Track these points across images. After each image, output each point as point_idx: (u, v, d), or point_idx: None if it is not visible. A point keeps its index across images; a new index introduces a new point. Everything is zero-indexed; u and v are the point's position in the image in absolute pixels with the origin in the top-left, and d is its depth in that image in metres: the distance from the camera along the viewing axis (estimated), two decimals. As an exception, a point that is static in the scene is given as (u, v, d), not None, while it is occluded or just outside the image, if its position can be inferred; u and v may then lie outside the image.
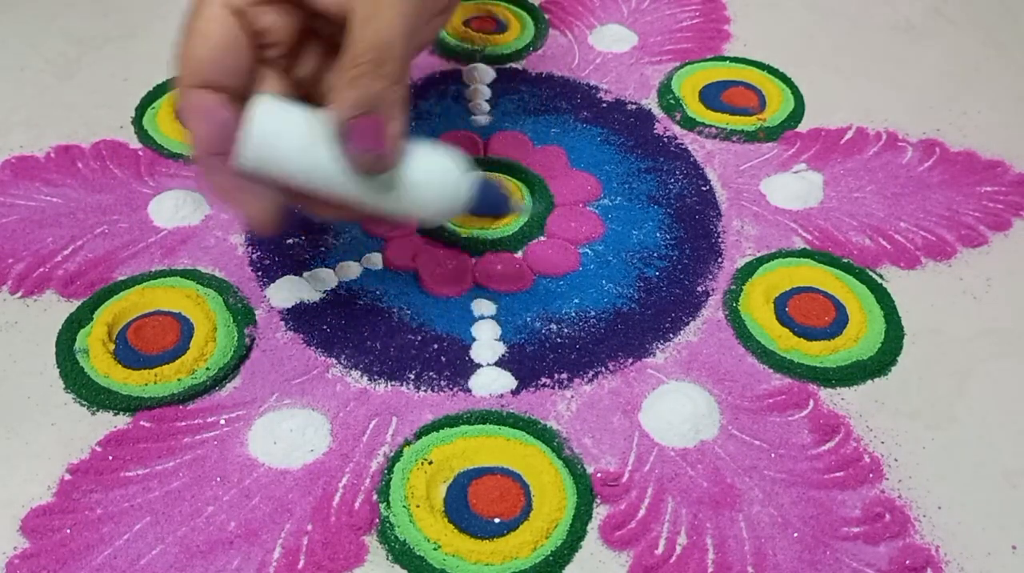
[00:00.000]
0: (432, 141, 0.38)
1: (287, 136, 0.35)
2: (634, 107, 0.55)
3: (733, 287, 0.45)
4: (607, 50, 0.59)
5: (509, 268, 0.46)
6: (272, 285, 0.45)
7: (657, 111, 0.55)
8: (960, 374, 0.42)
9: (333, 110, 0.35)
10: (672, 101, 0.55)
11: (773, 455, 0.39)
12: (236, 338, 0.42)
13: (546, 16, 0.61)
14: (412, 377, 0.42)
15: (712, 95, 0.55)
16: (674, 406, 0.40)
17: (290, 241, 0.47)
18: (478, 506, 0.37)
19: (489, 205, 0.39)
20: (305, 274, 0.45)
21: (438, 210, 0.38)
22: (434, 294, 0.45)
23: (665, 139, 0.53)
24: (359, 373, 0.42)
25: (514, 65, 0.57)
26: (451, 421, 0.40)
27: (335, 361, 0.42)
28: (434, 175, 0.37)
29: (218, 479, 0.38)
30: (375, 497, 0.37)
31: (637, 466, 0.38)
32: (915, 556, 0.36)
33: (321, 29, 0.37)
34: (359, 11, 0.34)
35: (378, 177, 0.36)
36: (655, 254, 0.47)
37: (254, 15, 0.36)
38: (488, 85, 0.56)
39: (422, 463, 0.38)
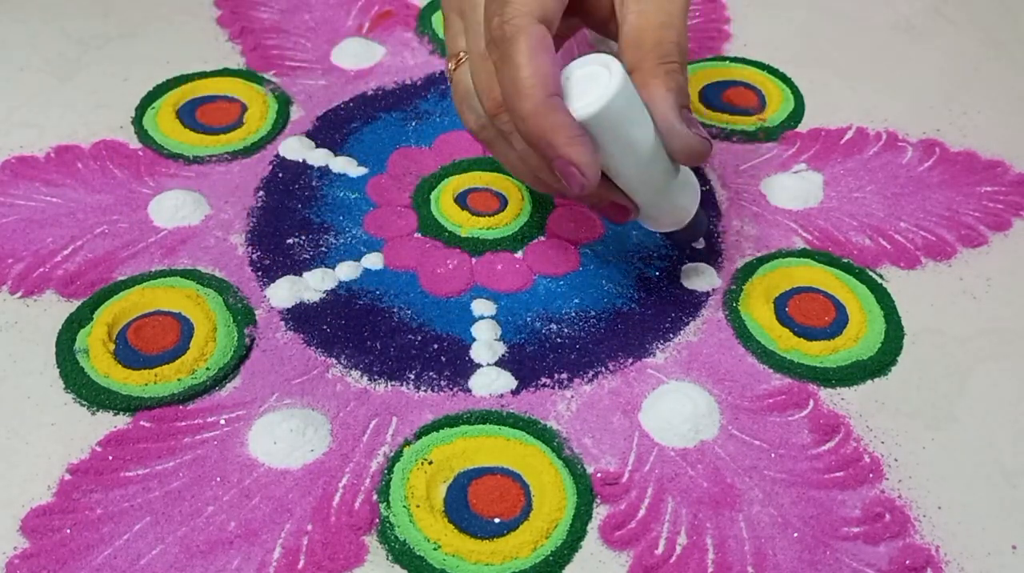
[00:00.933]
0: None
1: (635, 105, 0.37)
2: (634, 107, 0.55)
3: (733, 287, 0.45)
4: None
5: (509, 268, 0.46)
6: (272, 285, 0.45)
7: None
8: (960, 374, 0.42)
9: (662, 96, 0.37)
10: (672, 101, 0.55)
11: (773, 455, 0.39)
12: (236, 338, 0.42)
13: (546, 16, 0.61)
14: (412, 377, 0.42)
15: (712, 95, 0.55)
16: (674, 406, 0.40)
17: (290, 241, 0.47)
18: (478, 506, 0.37)
19: (694, 231, 0.43)
20: (305, 274, 0.45)
21: (683, 219, 0.42)
22: (434, 294, 0.45)
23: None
24: (359, 373, 0.42)
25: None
26: (451, 421, 0.40)
27: (335, 361, 0.42)
28: (693, 184, 0.41)
29: (218, 479, 0.38)
30: (375, 497, 0.37)
31: (637, 466, 0.38)
32: (915, 556, 0.36)
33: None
34: (652, 16, 0.38)
35: (675, 171, 0.39)
36: (655, 254, 0.47)
37: None
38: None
39: (422, 463, 0.38)
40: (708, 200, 0.50)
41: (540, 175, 0.39)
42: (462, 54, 0.40)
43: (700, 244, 0.47)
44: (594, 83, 0.36)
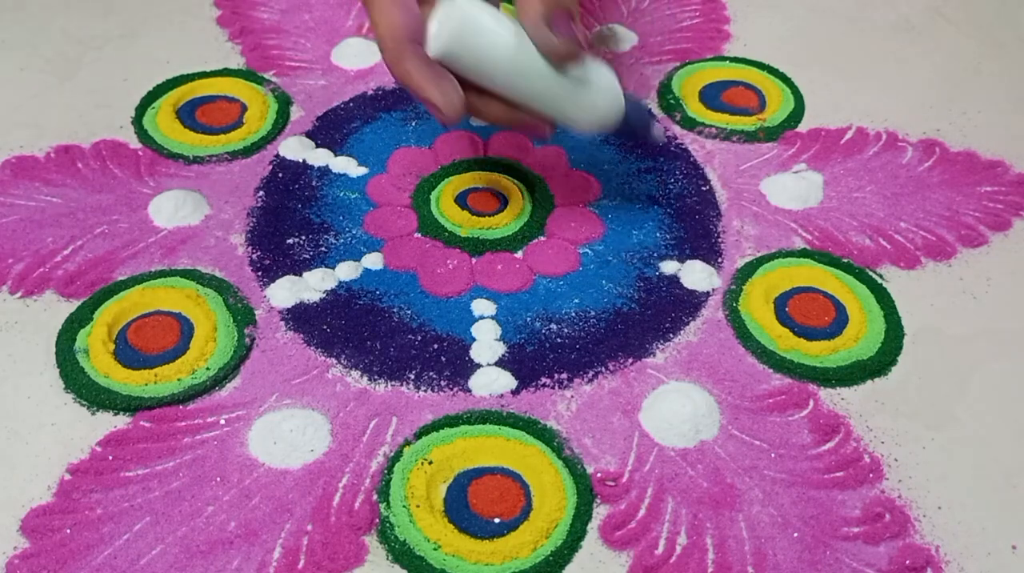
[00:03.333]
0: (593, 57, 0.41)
1: (486, 26, 0.38)
2: (634, 107, 0.55)
3: (733, 287, 0.45)
4: (607, 50, 0.59)
5: (509, 268, 0.46)
6: (272, 285, 0.45)
7: (657, 111, 0.55)
8: (960, 374, 0.42)
9: (530, 3, 0.38)
10: (672, 101, 0.55)
11: (773, 455, 0.39)
12: (236, 338, 0.42)
13: (546, 16, 0.61)
14: (412, 377, 0.42)
15: (712, 95, 0.55)
16: (674, 406, 0.40)
17: (290, 241, 0.47)
18: (478, 506, 0.37)
19: (637, 123, 0.43)
20: (305, 274, 0.45)
21: (602, 115, 0.42)
22: (434, 294, 0.45)
23: (665, 139, 0.53)
24: (359, 373, 0.42)
25: None
26: (451, 421, 0.40)
27: (335, 361, 0.42)
28: (604, 81, 0.41)
29: (218, 479, 0.38)
30: (375, 497, 0.37)
31: (637, 466, 0.38)
32: (915, 556, 0.36)
33: None
34: None
35: (559, 75, 0.39)
36: (655, 254, 0.47)
37: None
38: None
39: (422, 463, 0.38)
40: (708, 200, 0.50)
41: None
42: None
43: (660, 139, 0.46)
44: (448, 18, 0.38)
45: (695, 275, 0.46)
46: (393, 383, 0.41)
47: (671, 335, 0.44)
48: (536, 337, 0.43)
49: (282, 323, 0.43)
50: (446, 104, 0.38)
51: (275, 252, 0.46)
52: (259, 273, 0.45)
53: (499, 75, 0.39)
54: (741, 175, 0.51)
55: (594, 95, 0.42)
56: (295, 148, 0.52)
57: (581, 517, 0.37)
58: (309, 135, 0.53)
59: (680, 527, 0.37)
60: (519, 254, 0.47)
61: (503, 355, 0.42)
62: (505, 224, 0.48)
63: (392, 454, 0.39)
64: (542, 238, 0.47)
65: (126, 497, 0.37)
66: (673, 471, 0.38)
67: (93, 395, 0.40)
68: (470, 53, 0.38)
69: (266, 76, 0.56)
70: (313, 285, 0.45)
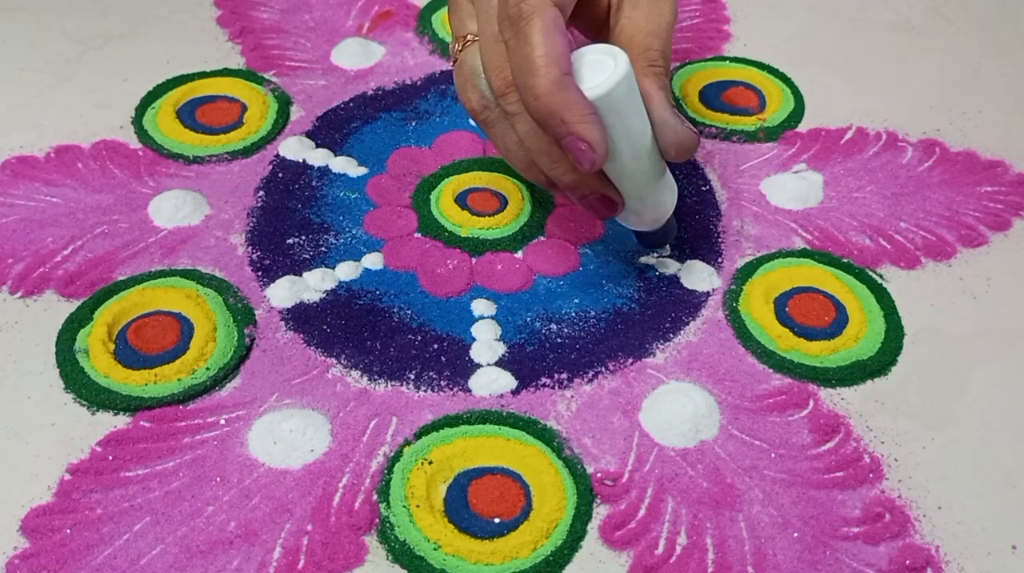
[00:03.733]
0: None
1: (635, 93, 0.38)
2: (634, 107, 0.55)
3: (733, 287, 0.45)
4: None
5: (509, 268, 0.46)
6: (272, 285, 0.45)
7: (657, 111, 0.55)
8: (960, 374, 0.42)
9: (656, 91, 0.39)
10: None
11: (773, 455, 0.39)
12: (236, 338, 0.42)
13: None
14: (412, 377, 0.42)
15: (712, 95, 0.55)
16: (674, 406, 0.40)
17: (290, 241, 0.47)
18: (478, 506, 0.37)
19: (668, 234, 0.45)
20: (305, 274, 0.45)
21: (659, 217, 0.43)
22: (434, 294, 0.45)
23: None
24: (359, 373, 0.42)
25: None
26: (451, 421, 0.40)
27: (335, 361, 0.42)
28: (673, 186, 0.43)
29: (218, 479, 0.38)
30: (375, 497, 0.37)
31: (637, 466, 0.38)
32: (915, 556, 0.36)
33: None
34: (642, 23, 0.40)
35: (659, 166, 0.40)
36: (655, 254, 0.47)
37: None
38: (488, 85, 0.56)
39: (422, 463, 0.38)
40: (708, 200, 0.50)
41: (537, 160, 0.40)
42: (470, 36, 0.41)
43: (666, 250, 0.47)
44: (601, 69, 0.37)
45: (695, 275, 0.46)
46: (393, 383, 0.41)
47: (671, 335, 0.44)
48: (536, 337, 0.43)
49: (282, 323, 0.43)
50: (601, 143, 0.36)
51: (275, 252, 0.46)
52: (259, 273, 0.46)
53: (625, 141, 0.38)
54: (741, 175, 0.51)
55: (667, 195, 0.42)
56: (295, 148, 0.52)
57: (581, 517, 0.37)
58: (309, 135, 0.53)
59: (680, 527, 0.37)
60: (519, 254, 0.47)
61: (503, 355, 0.42)
62: (505, 224, 0.48)
63: (392, 454, 0.39)
64: (542, 238, 0.47)
65: (126, 497, 0.37)
66: (673, 471, 0.38)
67: (93, 395, 0.40)
68: (617, 109, 0.37)
69: (266, 76, 0.56)
70: (313, 285, 0.45)
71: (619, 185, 0.40)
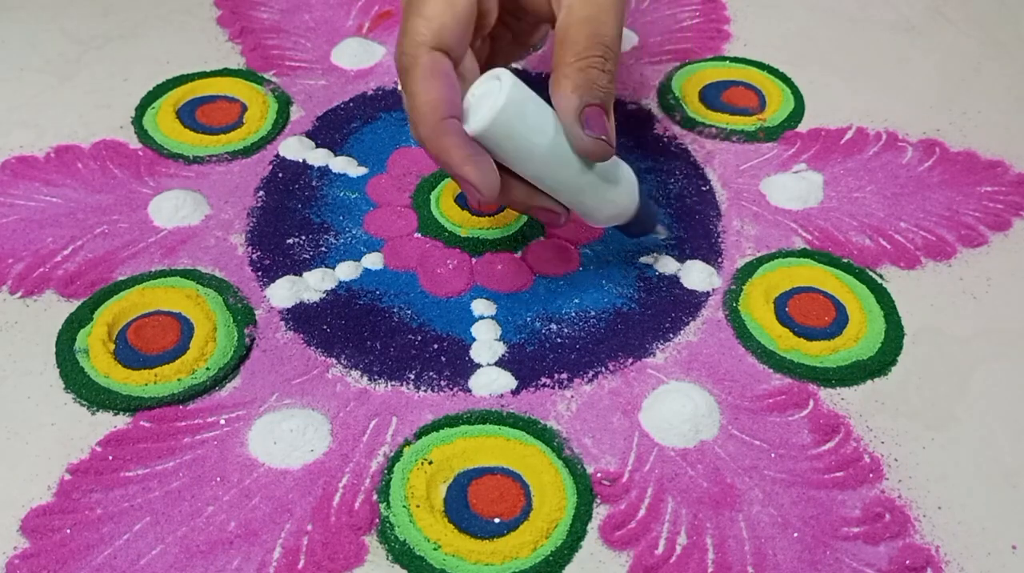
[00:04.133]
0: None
1: (528, 110, 0.37)
2: (634, 107, 0.55)
3: (733, 287, 0.45)
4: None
5: (509, 268, 0.46)
6: (272, 285, 0.45)
7: (657, 111, 0.55)
8: (960, 374, 0.42)
9: (565, 96, 0.37)
10: (672, 101, 0.55)
11: (773, 455, 0.39)
12: (236, 338, 0.42)
13: (546, 16, 0.61)
14: (412, 377, 0.42)
15: (712, 95, 0.55)
16: (674, 406, 0.40)
17: (290, 241, 0.47)
18: (478, 506, 0.37)
19: (646, 222, 0.43)
20: (305, 274, 0.45)
21: (619, 212, 0.41)
22: (434, 294, 0.45)
23: (665, 139, 0.53)
24: (359, 373, 0.42)
25: (514, 65, 0.57)
26: (451, 421, 0.40)
27: (335, 361, 0.42)
28: (625, 178, 0.41)
29: (218, 479, 0.38)
30: (375, 497, 0.37)
31: (637, 466, 0.38)
32: (915, 556, 0.36)
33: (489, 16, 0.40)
34: (578, 10, 0.38)
35: (588, 169, 0.39)
36: (655, 254, 0.47)
37: None
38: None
39: (422, 463, 0.38)
40: (708, 200, 0.50)
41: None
42: None
43: (660, 234, 0.45)
44: (489, 98, 0.36)
45: (695, 275, 0.46)
46: (393, 383, 0.41)
47: (671, 335, 0.44)
48: (536, 337, 0.43)
49: (282, 323, 0.43)
50: (484, 184, 0.37)
51: (275, 252, 0.46)
52: (259, 273, 0.46)
53: (531, 161, 0.38)
54: (741, 175, 0.51)
55: (615, 192, 0.41)
56: (295, 148, 0.52)
57: (581, 517, 0.37)
58: (309, 135, 0.53)
59: (680, 527, 0.37)
60: (519, 254, 0.47)
61: (503, 355, 0.42)
62: (505, 224, 0.48)
63: (392, 454, 0.39)
64: (542, 238, 0.47)
65: (126, 497, 0.37)
66: (673, 471, 0.38)
67: (93, 395, 0.40)
68: (509, 135, 0.37)
69: (266, 76, 0.56)
70: (313, 285, 0.45)
71: (553, 194, 0.39)
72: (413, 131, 0.38)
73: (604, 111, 0.37)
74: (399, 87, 0.39)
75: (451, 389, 0.41)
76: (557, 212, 0.40)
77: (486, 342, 0.43)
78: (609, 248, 0.47)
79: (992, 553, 0.36)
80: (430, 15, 0.37)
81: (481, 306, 0.44)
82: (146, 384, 0.40)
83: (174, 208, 0.47)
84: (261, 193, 0.49)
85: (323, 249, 0.47)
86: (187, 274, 0.45)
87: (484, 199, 0.37)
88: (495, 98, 0.36)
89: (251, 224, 0.48)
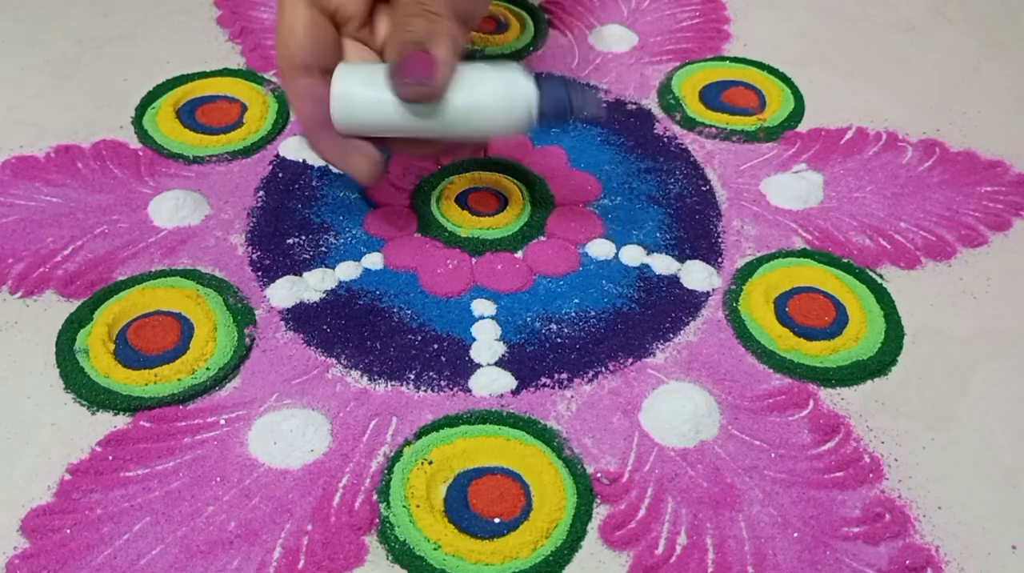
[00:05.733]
0: (499, 62, 0.41)
1: (363, 90, 0.40)
2: (634, 107, 0.55)
3: (733, 287, 0.45)
4: (607, 50, 0.59)
5: (509, 268, 0.46)
6: (272, 285, 0.45)
7: (657, 111, 0.55)
8: (960, 374, 0.42)
9: (387, 56, 0.40)
10: (672, 101, 0.55)
11: (773, 455, 0.39)
12: (236, 338, 0.42)
13: (546, 16, 0.61)
14: (412, 377, 0.42)
15: (712, 95, 0.55)
16: (674, 406, 0.40)
17: (290, 241, 0.47)
18: (478, 506, 0.37)
19: (557, 109, 0.40)
20: (305, 274, 0.45)
21: (506, 124, 0.41)
22: (434, 294, 0.45)
23: (665, 139, 0.53)
24: (359, 373, 0.42)
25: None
26: (451, 421, 0.40)
27: (335, 361, 0.42)
28: (495, 91, 0.40)
29: (218, 479, 0.38)
30: (375, 497, 0.37)
31: (637, 466, 0.38)
32: (915, 556, 0.36)
33: None
34: None
35: (441, 105, 0.40)
36: (655, 254, 0.47)
37: (325, 0, 0.41)
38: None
39: (422, 463, 0.38)
40: (708, 200, 0.50)
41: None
42: None
43: (598, 111, 0.42)
44: (332, 99, 0.40)
45: (695, 275, 0.46)
46: (393, 383, 0.41)
47: (671, 335, 0.44)
48: (536, 337, 0.43)
49: (282, 323, 0.43)
50: (358, 172, 0.42)
51: (275, 252, 0.46)
52: (259, 273, 0.46)
53: (395, 127, 0.41)
54: (741, 175, 0.51)
55: (492, 104, 0.40)
56: (295, 148, 0.52)
57: (581, 517, 0.37)
58: (309, 135, 0.53)
59: (680, 527, 0.37)
60: (519, 254, 0.47)
61: (503, 355, 0.42)
62: (505, 224, 0.48)
63: (392, 454, 0.39)
64: (542, 238, 0.47)
65: (126, 497, 0.37)
66: (673, 471, 0.38)
67: (93, 395, 0.40)
68: (359, 120, 0.41)
69: (266, 76, 0.56)
70: (313, 285, 0.45)
71: (442, 139, 0.42)
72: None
73: (427, 53, 0.39)
74: None
75: (451, 389, 0.41)
76: (463, 148, 0.45)
77: (486, 342, 0.43)
78: (609, 248, 0.47)
79: (992, 553, 0.36)
80: (283, 46, 0.41)
81: (481, 306, 0.44)
82: (146, 384, 0.40)
83: (174, 208, 0.47)
84: (261, 193, 0.49)
85: (323, 249, 0.47)
86: (187, 274, 0.45)
87: (371, 179, 0.42)
88: (333, 98, 0.40)
89: (251, 224, 0.48)
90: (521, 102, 0.40)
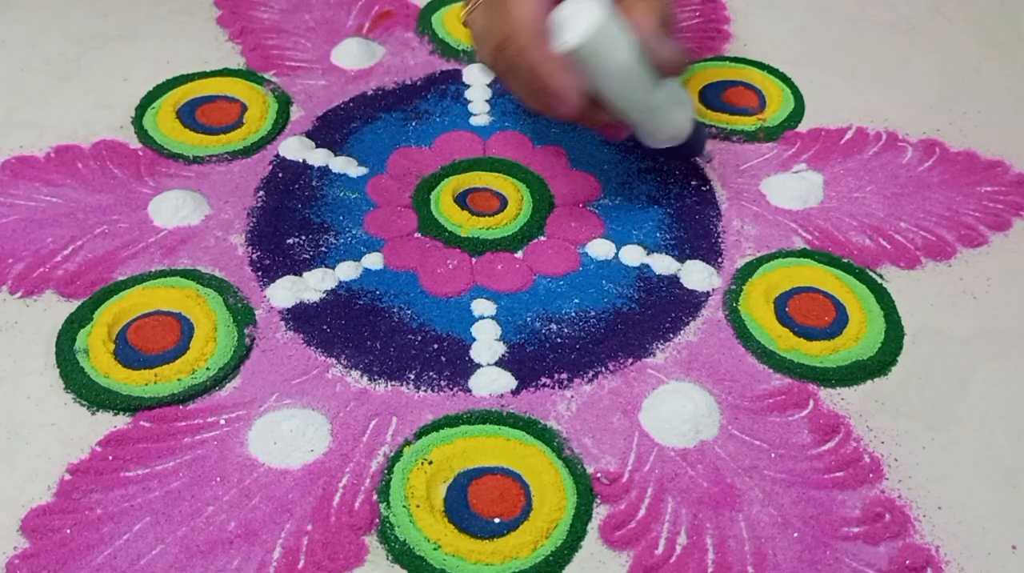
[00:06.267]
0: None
1: (613, 31, 0.41)
2: (634, 107, 0.55)
3: (733, 287, 0.45)
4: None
5: (509, 268, 0.46)
6: (272, 285, 0.45)
7: (657, 111, 0.55)
8: (960, 374, 0.42)
9: (644, 14, 0.42)
10: (672, 101, 0.55)
11: (773, 455, 0.39)
12: (236, 338, 0.42)
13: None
14: (412, 377, 0.42)
15: (712, 95, 0.55)
16: (674, 406, 0.40)
17: (290, 241, 0.47)
18: (478, 506, 0.37)
19: (697, 143, 0.48)
20: (305, 274, 0.45)
21: (677, 132, 0.46)
22: (434, 294, 0.45)
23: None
24: (359, 373, 0.42)
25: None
26: (451, 421, 0.40)
27: (335, 361, 0.42)
28: (685, 100, 0.46)
29: (218, 479, 0.38)
30: (375, 497, 0.37)
31: (637, 466, 0.38)
32: (915, 556, 0.36)
33: None
34: None
35: (657, 89, 0.43)
36: (655, 254, 0.47)
37: None
38: (488, 85, 0.56)
39: (422, 463, 0.38)
40: (708, 200, 0.50)
41: (536, 103, 0.43)
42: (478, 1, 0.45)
43: (707, 158, 0.50)
44: (581, 18, 0.41)
45: (695, 275, 0.46)
46: (393, 383, 0.41)
47: (671, 335, 0.44)
48: (536, 337, 0.43)
49: (282, 323, 0.43)
50: (573, 92, 0.41)
51: (275, 252, 0.46)
52: (259, 273, 0.45)
53: (609, 79, 0.42)
54: (741, 175, 0.51)
55: (677, 112, 0.45)
56: (295, 148, 0.52)
57: (581, 517, 0.37)
58: (309, 135, 0.53)
59: (680, 527, 0.37)
60: (519, 254, 0.47)
61: (503, 355, 0.42)
62: (505, 224, 0.48)
63: (392, 454, 0.39)
64: (542, 238, 0.47)
65: (126, 497, 0.37)
66: (673, 471, 0.38)
67: (93, 395, 0.40)
68: (596, 54, 0.41)
69: (266, 76, 0.56)
70: (313, 285, 0.45)
71: (620, 112, 0.44)
72: (500, 49, 0.42)
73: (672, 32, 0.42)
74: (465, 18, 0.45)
75: (451, 389, 0.41)
76: (620, 128, 0.45)
77: (486, 342, 0.43)
78: (609, 248, 0.47)
79: (992, 553, 0.36)
80: None
81: (481, 306, 0.44)
82: (146, 384, 0.40)
83: (174, 208, 0.47)
84: (261, 193, 0.49)
85: (323, 249, 0.47)
86: (187, 274, 0.45)
87: (569, 107, 0.41)
88: (587, 19, 0.40)
89: (251, 224, 0.48)
90: (690, 119, 0.46)
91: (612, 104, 0.43)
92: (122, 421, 0.40)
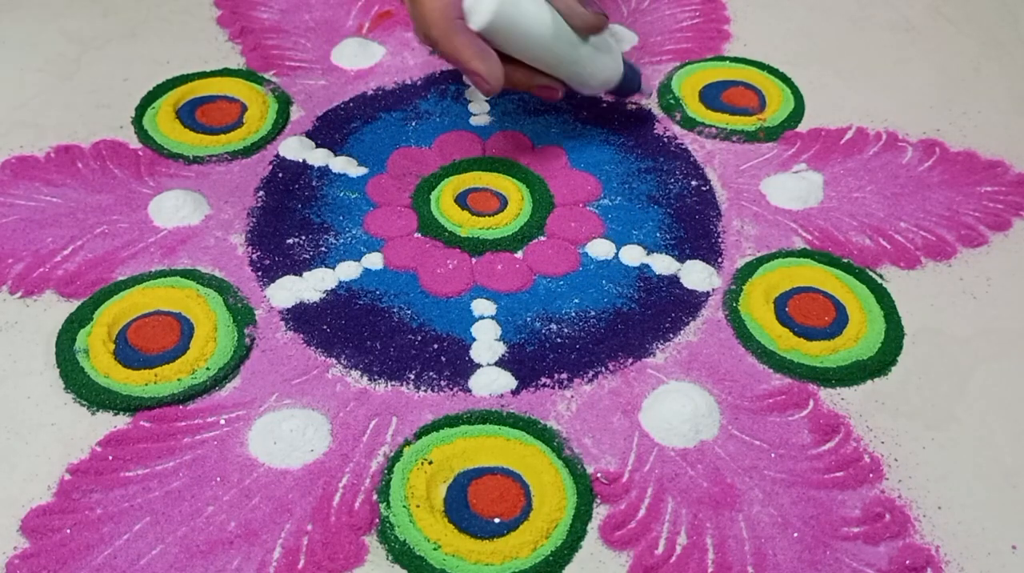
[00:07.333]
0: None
1: (522, 2, 0.44)
2: (634, 107, 0.55)
3: (733, 287, 0.45)
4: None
5: (509, 268, 0.46)
6: (272, 285, 0.45)
7: (657, 111, 0.55)
8: (960, 374, 0.42)
9: None
10: (672, 101, 0.55)
11: (773, 455, 0.39)
12: (236, 338, 0.42)
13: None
14: (412, 377, 0.42)
15: (712, 95, 0.55)
16: (674, 406, 0.40)
17: (290, 241, 0.47)
18: (478, 506, 0.37)
19: (632, 81, 0.51)
20: (305, 274, 0.45)
21: (609, 77, 0.50)
22: (434, 294, 0.45)
23: (665, 139, 0.53)
24: (359, 373, 0.42)
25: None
26: (451, 421, 0.40)
27: (335, 361, 0.42)
28: (612, 46, 0.49)
29: (218, 479, 0.38)
30: (375, 497, 0.37)
31: (637, 466, 0.38)
32: (915, 556, 0.36)
33: None
34: None
35: (581, 44, 0.46)
36: (655, 254, 0.47)
37: None
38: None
39: (422, 463, 0.38)
40: (708, 200, 0.50)
41: (471, 80, 0.46)
42: None
43: (647, 93, 0.53)
44: None
45: (695, 275, 0.46)
46: (393, 383, 0.41)
47: (671, 335, 0.44)
48: (536, 337, 0.43)
49: (282, 323, 0.43)
50: (491, 75, 0.44)
51: (275, 252, 0.46)
52: (259, 273, 0.46)
53: (529, 46, 0.45)
54: (741, 175, 0.51)
55: (605, 59, 0.48)
56: (295, 148, 0.52)
57: (581, 517, 0.37)
58: (309, 135, 0.53)
59: (680, 527, 0.37)
60: (519, 254, 0.47)
61: (503, 355, 0.42)
62: (505, 224, 0.48)
63: (392, 454, 0.39)
64: (542, 238, 0.47)
65: (126, 497, 0.37)
66: (673, 471, 0.38)
67: (93, 395, 0.40)
68: (508, 27, 0.44)
69: (266, 76, 0.56)
70: (313, 285, 0.45)
71: (552, 72, 0.47)
72: (422, 34, 0.44)
73: None
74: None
75: (451, 389, 0.41)
76: (555, 87, 0.47)
77: (486, 342, 0.43)
78: (609, 248, 0.47)
79: (992, 553, 0.36)
80: None
81: (481, 306, 0.44)
82: (146, 384, 0.40)
83: (174, 208, 0.47)
84: (261, 193, 0.49)
85: (323, 249, 0.47)
86: (187, 274, 0.45)
87: (491, 89, 0.44)
88: None
89: (251, 224, 0.48)
90: (619, 62, 0.50)
91: (539, 66, 0.46)
92: (122, 421, 0.40)
